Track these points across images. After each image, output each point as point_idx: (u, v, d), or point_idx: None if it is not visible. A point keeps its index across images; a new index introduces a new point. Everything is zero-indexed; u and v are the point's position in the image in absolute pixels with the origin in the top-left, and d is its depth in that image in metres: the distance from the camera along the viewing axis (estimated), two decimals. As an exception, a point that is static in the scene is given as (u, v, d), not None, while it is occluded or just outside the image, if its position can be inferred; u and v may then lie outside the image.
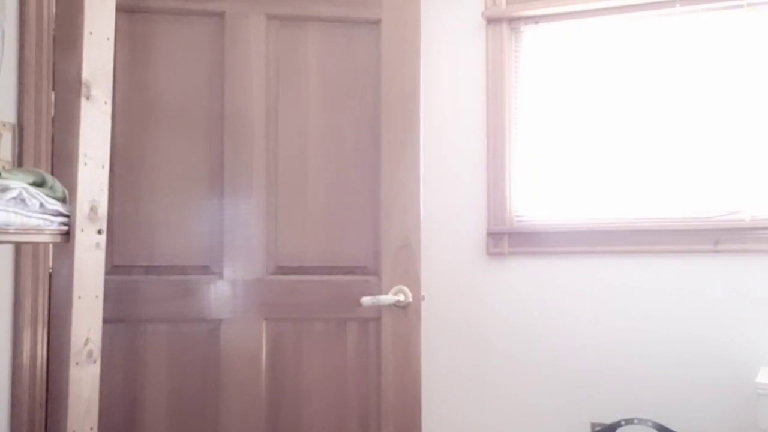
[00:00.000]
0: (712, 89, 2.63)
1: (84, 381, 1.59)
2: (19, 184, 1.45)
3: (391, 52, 2.14)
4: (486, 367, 2.85)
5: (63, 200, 1.56)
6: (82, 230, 1.58)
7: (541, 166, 2.83)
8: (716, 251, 2.59)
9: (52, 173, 1.79)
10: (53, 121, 2.07)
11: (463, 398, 2.88)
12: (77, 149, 1.57)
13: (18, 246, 2.03)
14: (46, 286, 2.08)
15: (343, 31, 2.16)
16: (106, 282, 1.66)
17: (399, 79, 2.13)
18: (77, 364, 1.56)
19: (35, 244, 2.03)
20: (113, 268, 2.05)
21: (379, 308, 2.10)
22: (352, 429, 2.12)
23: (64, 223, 1.56)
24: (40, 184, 1.53)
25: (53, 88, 2.09)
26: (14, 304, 2.02)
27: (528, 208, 2.84)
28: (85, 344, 1.58)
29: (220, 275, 2.09)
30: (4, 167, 1.94)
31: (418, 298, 2.10)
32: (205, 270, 2.10)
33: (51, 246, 2.04)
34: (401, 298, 2.08)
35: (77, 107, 1.58)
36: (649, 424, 2.61)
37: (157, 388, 2.07)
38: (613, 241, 2.70)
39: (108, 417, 2.03)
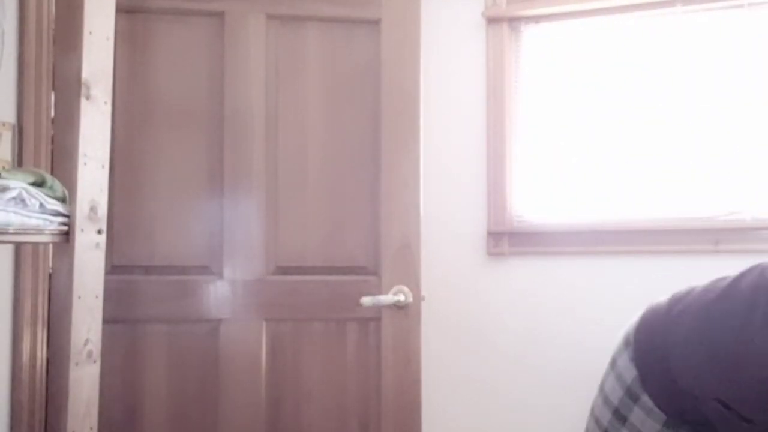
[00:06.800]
0: (712, 89, 2.62)
1: (84, 381, 1.59)
2: (18, 184, 1.45)
3: (391, 51, 2.13)
4: (486, 366, 2.85)
5: (63, 200, 1.56)
6: (82, 230, 1.58)
7: (542, 165, 2.83)
8: (717, 251, 2.58)
9: (52, 173, 1.79)
10: (53, 120, 2.07)
11: (462, 398, 2.88)
12: (77, 149, 1.57)
13: (18, 246, 2.03)
14: (46, 286, 2.07)
15: (343, 31, 2.16)
16: (106, 282, 1.66)
17: (399, 78, 2.13)
18: (77, 364, 1.56)
19: (35, 244, 2.03)
20: (113, 268, 2.04)
21: (379, 308, 2.10)
22: (352, 429, 2.12)
23: (63, 223, 1.56)
24: (39, 184, 1.52)
25: (53, 88, 2.08)
26: (14, 304, 2.02)
27: (528, 208, 2.84)
28: (85, 344, 1.58)
29: (220, 275, 2.09)
30: (3, 167, 1.94)
31: (417, 298, 2.10)
32: (204, 270, 2.09)
33: (51, 246, 2.04)
34: (401, 298, 2.08)
35: (77, 107, 1.58)
36: (650, 424, 2.61)
37: (157, 388, 2.07)
38: (613, 241, 2.70)
39: (108, 417, 2.03)
